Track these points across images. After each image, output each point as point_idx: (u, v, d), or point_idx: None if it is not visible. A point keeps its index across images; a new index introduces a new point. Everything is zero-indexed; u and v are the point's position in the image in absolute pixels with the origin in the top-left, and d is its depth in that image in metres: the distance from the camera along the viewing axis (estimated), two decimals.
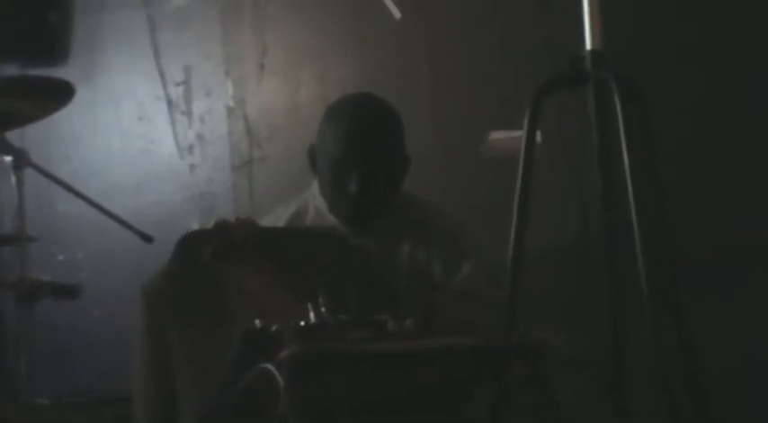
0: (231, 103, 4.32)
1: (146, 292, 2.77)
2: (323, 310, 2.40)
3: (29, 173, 3.74)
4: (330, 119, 2.99)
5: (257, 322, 2.37)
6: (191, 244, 2.75)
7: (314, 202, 3.08)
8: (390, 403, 2.32)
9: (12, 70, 4.51)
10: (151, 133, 4.44)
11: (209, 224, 2.85)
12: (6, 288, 3.64)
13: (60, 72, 4.33)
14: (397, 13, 3.98)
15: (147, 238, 3.77)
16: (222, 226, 2.74)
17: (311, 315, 2.42)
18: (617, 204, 2.28)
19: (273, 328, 2.32)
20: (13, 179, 3.71)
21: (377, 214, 2.98)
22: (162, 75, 4.42)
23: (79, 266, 4.46)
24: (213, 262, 2.70)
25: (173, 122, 4.40)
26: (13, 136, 3.76)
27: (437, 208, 3.11)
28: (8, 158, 3.70)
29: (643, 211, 2.18)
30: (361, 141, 2.90)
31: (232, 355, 2.37)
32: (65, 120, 4.19)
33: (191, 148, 4.38)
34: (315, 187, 3.09)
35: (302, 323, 2.35)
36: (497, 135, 3.72)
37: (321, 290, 2.41)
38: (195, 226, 2.88)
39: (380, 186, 2.94)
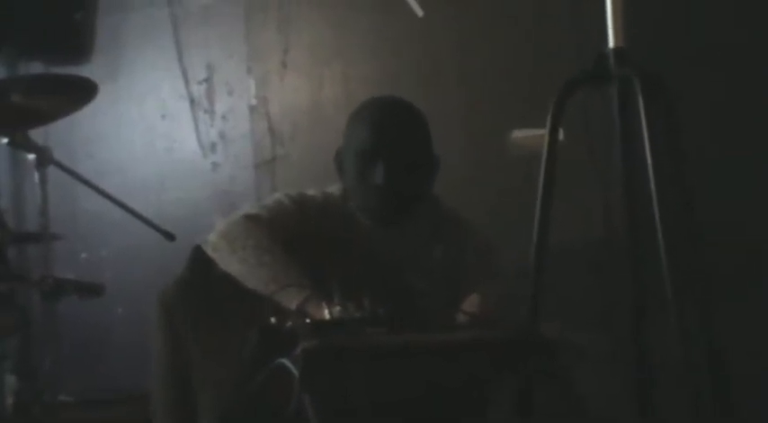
0: (254, 102, 4.32)
1: (161, 300, 2.83)
2: (338, 308, 2.43)
3: (52, 171, 3.75)
4: (355, 119, 3.00)
5: (272, 319, 2.41)
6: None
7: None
8: (404, 397, 2.34)
9: (36, 68, 4.53)
10: (174, 131, 4.45)
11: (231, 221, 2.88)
12: (30, 286, 3.65)
13: (84, 70, 4.35)
14: (419, 12, 3.98)
15: (169, 236, 3.78)
16: None
17: (326, 313, 2.45)
18: (641, 203, 2.27)
19: (288, 324, 2.36)
20: (36, 177, 3.73)
21: (403, 209, 2.96)
22: (185, 73, 4.43)
23: (102, 264, 4.47)
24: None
25: (195, 121, 4.41)
26: (36, 134, 3.77)
27: (468, 219, 3.10)
28: (31, 156, 3.72)
29: (666, 210, 2.17)
30: (385, 133, 2.91)
31: (248, 352, 2.40)
32: (88, 118, 4.20)
33: (213, 147, 4.38)
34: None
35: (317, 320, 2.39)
36: (521, 133, 3.71)
37: (336, 288, 2.44)
38: (218, 224, 2.88)
39: (406, 179, 2.93)
